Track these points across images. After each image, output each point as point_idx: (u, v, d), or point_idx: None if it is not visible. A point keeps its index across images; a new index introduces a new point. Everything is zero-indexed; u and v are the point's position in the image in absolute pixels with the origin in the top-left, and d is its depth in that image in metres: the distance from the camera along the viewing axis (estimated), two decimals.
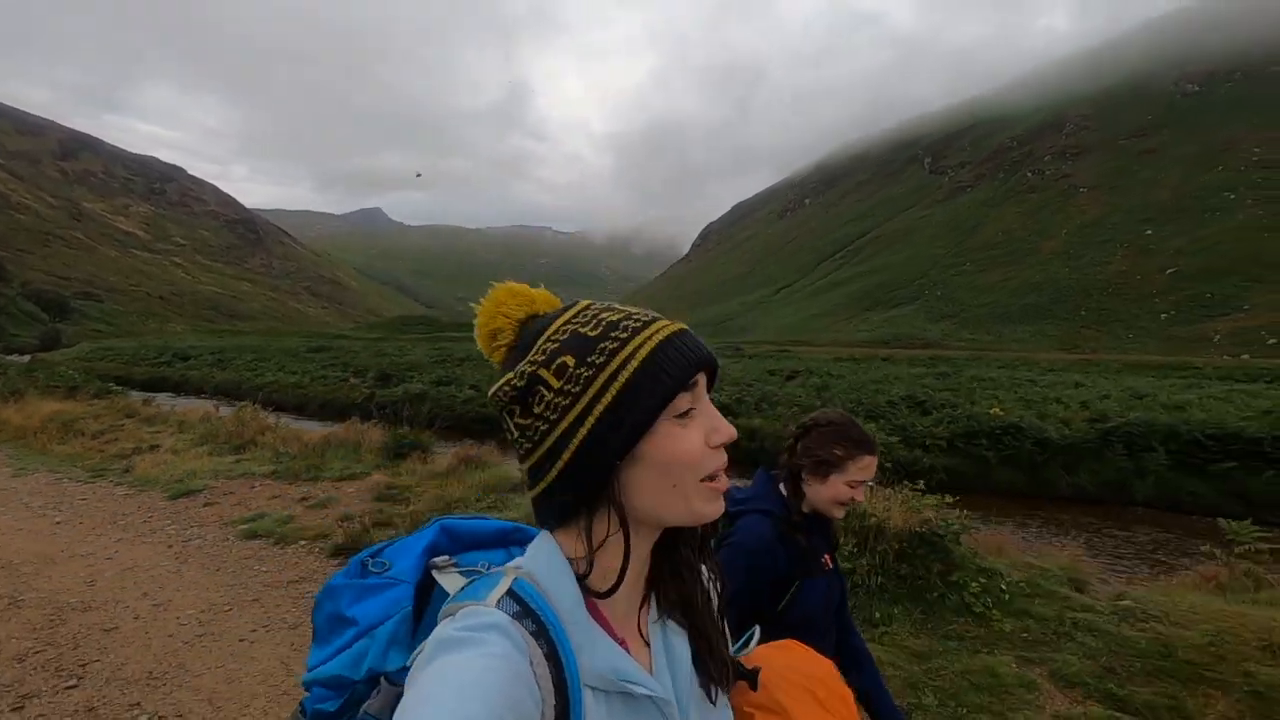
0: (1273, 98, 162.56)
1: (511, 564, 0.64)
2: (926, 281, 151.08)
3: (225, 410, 12.39)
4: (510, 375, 0.64)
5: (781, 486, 1.61)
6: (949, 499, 4.75)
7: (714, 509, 0.63)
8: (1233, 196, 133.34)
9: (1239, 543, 5.31)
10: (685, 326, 0.65)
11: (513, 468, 7.85)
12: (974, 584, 4.25)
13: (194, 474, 7.77)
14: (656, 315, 0.65)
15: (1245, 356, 76.29)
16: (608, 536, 0.62)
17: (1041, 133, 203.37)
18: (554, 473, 0.62)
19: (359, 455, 8.32)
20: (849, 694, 0.79)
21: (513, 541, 0.76)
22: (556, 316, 0.66)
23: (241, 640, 3.91)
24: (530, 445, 0.63)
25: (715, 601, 0.72)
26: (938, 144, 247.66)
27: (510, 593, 0.59)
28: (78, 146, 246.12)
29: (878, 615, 4.14)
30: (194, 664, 3.64)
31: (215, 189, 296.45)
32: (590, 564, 0.62)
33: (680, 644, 0.68)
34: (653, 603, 0.69)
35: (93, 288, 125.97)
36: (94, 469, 8.38)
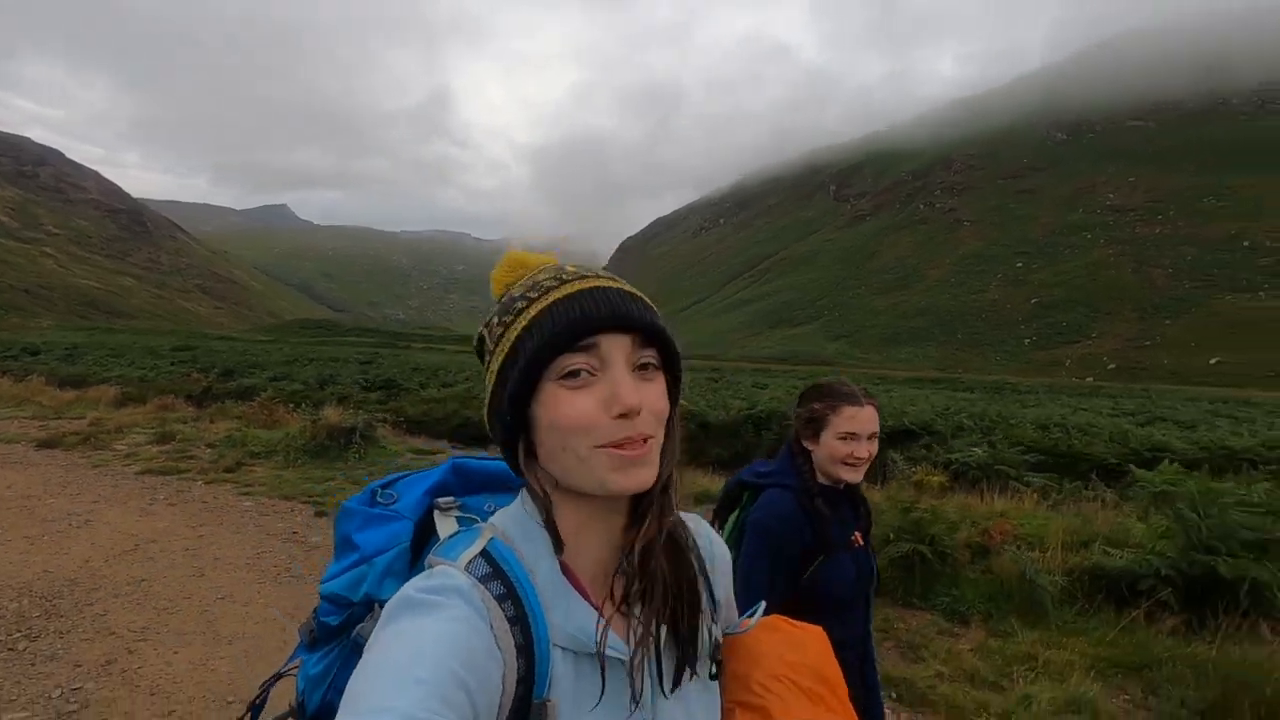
0: (1125, 149, 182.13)
1: (491, 520, 0.65)
2: (826, 303, 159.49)
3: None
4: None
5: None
6: None
7: (625, 480, 0.58)
8: (1089, 235, 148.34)
9: None
10: (608, 284, 0.61)
11: (184, 411, 9.90)
12: None
13: None
14: (586, 273, 0.62)
15: (1089, 379, 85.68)
16: (550, 501, 0.61)
17: (933, 169, 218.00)
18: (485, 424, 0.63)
19: (96, 406, 11.04)
20: (837, 676, 0.75)
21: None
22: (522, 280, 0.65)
23: None
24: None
25: (697, 583, 0.68)
26: (843, 173, 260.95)
27: (484, 553, 0.59)
28: None
29: None
30: None
31: (98, 175, 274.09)
32: (550, 521, 0.61)
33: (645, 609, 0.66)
34: (634, 579, 0.67)
35: None
36: None
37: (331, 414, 7.25)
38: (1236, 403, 32.17)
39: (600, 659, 0.59)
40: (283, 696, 0.70)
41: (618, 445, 0.58)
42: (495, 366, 0.61)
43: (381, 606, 0.64)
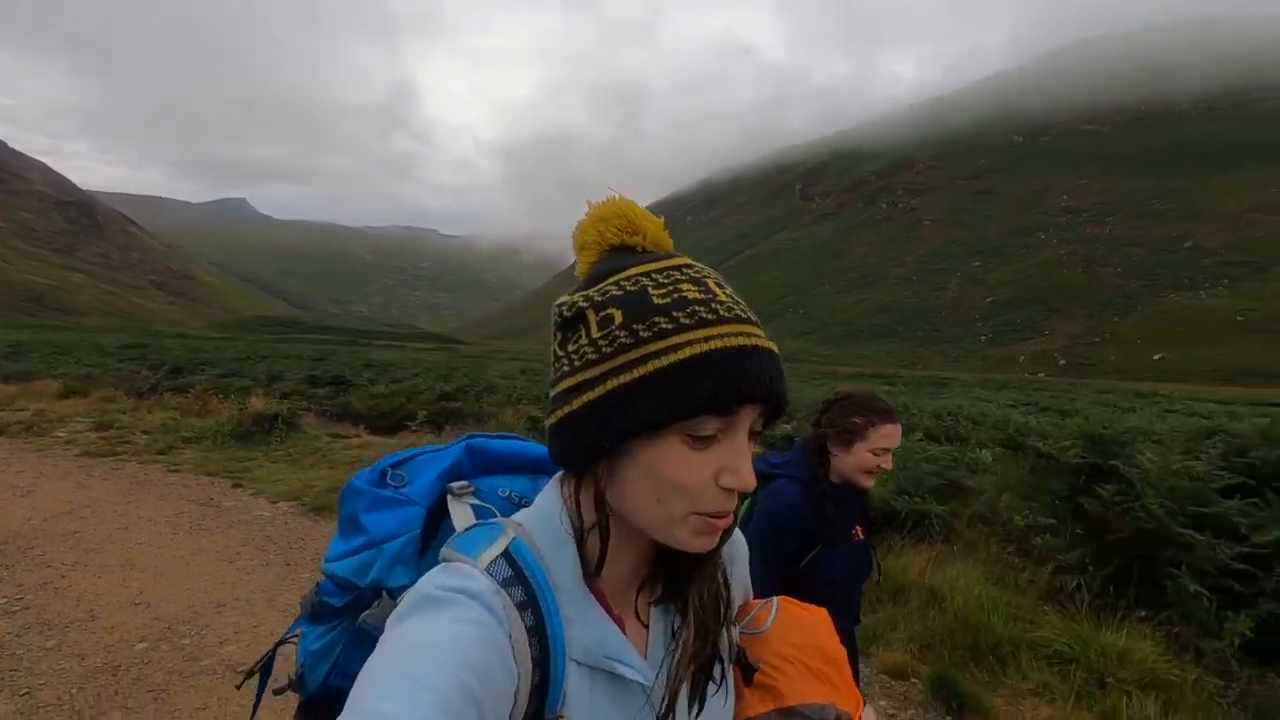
0: (1079, 153, 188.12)
1: (515, 518, 0.61)
2: (792, 300, 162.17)
3: None
4: (566, 300, 0.59)
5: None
6: None
7: (699, 543, 0.56)
8: (1044, 236, 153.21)
9: None
10: (766, 345, 0.55)
11: (125, 403, 10.54)
12: None
13: None
14: (743, 315, 0.56)
15: (1042, 375, 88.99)
16: (596, 522, 0.57)
17: (896, 169, 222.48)
18: (556, 418, 0.58)
19: (39, 399, 11.51)
20: (841, 655, 0.76)
21: (544, 471, 0.73)
22: (643, 260, 0.59)
23: None
24: (554, 377, 0.60)
25: (723, 596, 0.65)
26: (808, 172, 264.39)
27: (505, 554, 0.56)
28: None
29: None
30: None
31: (44, 166, 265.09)
32: (584, 535, 0.58)
33: (683, 630, 0.64)
34: (658, 585, 0.65)
35: None
36: None
37: (257, 402, 8.07)
38: (1141, 395, 34.53)
39: (618, 676, 0.58)
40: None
41: (713, 514, 0.55)
42: (611, 384, 0.54)
43: (389, 594, 0.64)
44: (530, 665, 0.53)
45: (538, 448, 0.74)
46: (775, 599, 0.78)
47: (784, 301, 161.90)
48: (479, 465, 0.72)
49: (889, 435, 1.60)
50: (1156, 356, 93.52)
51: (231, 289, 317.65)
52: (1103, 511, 3.64)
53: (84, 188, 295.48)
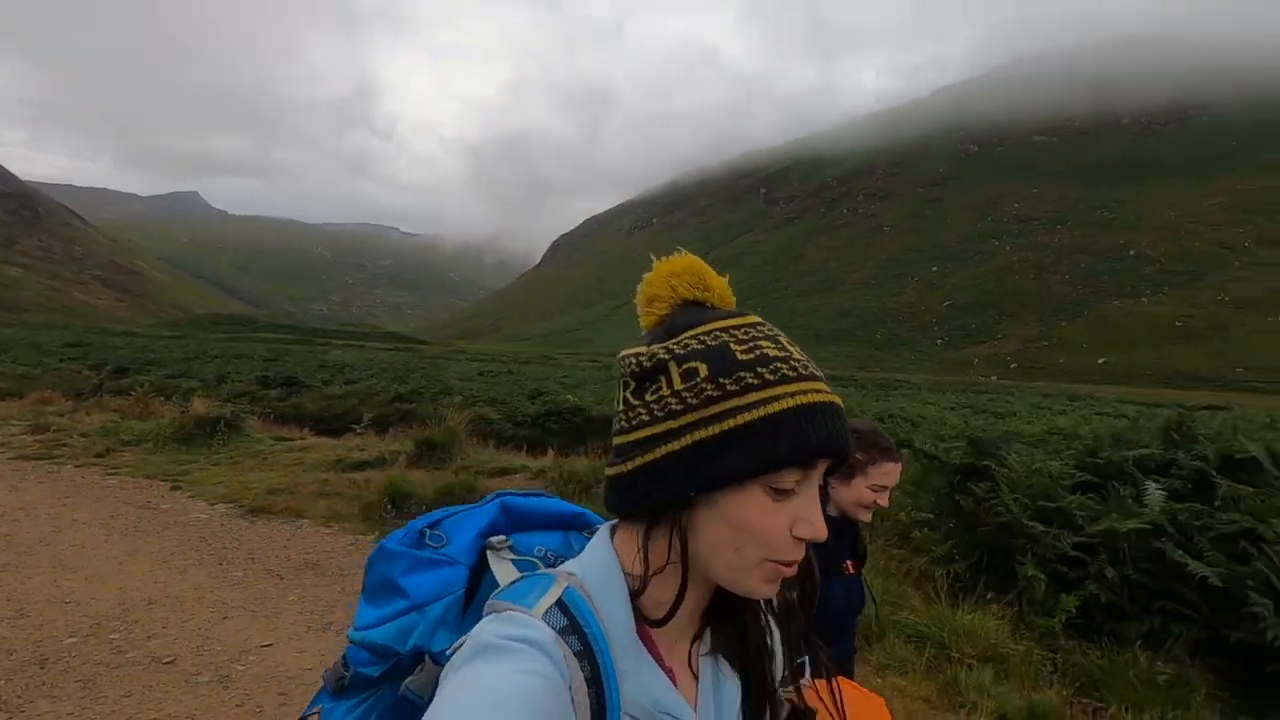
0: (1031, 162, 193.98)
1: (565, 568, 0.62)
2: (754, 304, 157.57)
3: None
4: (642, 350, 0.61)
5: None
6: None
7: (766, 590, 0.59)
8: (997, 243, 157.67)
9: None
10: (836, 400, 0.59)
11: (62, 405, 10.44)
12: None
13: None
14: (817, 372, 0.60)
15: (994, 377, 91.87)
16: (666, 564, 0.58)
17: (857, 175, 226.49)
18: (631, 466, 0.59)
19: None
20: None
21: (573, 527, 0.74)
22: (718, 316, 0.62)
23: None
24: (626, 426, 0.61)
25: (773, 651, 0.68)
26: (770, 178, 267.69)
27: (560, 603, 0.56)
28: None
29: None
30: None
31: None
32: (645, 585, 0.59)
33: (731, 684, 0.66)
34: (707, 636, 0.66)
35: None
36: None
37: (199, 405, 8.10)
38: (1078, 397, 36.20)
39: None
40: None
41: (784, 563, 0.58)
42: (699, 434, 0.56)
43: (433, 659, 0.62)
44: (589, 716, 0.53)
45: (566, 505, 0.75)
46: (805, 656, 0.77)
47: (745, 305, 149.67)
48: (514, 524, 0.72)
49: (889, 473, 1.62)
50: (1101, 360, 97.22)
51: (182, 286, 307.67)
52: (975, 507, 4.06)
53: (24, 178, 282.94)
